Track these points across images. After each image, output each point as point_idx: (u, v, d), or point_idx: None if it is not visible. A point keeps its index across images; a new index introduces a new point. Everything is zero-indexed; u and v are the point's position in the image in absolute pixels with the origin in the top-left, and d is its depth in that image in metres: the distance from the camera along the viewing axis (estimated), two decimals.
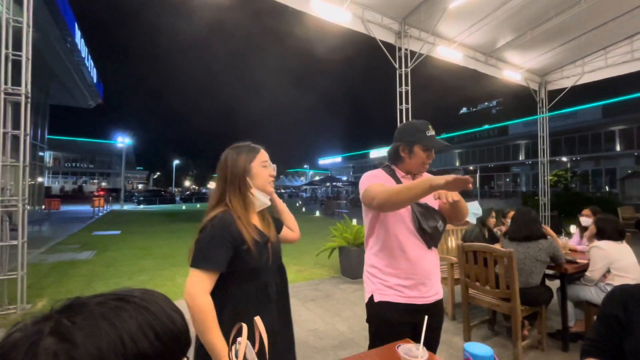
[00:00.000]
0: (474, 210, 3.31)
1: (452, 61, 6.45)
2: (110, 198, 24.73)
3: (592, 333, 1.19)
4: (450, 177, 1.07)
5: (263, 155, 1.23)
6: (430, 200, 1.44)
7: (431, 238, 1.40)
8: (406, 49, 5.71)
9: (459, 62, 6.56)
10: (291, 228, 1.41)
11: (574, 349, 2.60)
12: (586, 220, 3.22)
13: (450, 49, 6.22)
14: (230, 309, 1.08)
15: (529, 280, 2.52)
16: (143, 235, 9.46)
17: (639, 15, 5.80)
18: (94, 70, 13.22)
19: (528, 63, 7.41)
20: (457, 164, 31.22)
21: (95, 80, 13.55)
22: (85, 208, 19.81)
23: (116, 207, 22.55)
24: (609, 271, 2.51)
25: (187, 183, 66.43)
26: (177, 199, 33.92)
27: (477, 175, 28.61)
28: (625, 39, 6.59)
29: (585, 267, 2.67)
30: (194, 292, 1.02)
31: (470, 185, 1.09)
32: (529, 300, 2.50)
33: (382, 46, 5.57)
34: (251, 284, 1.12)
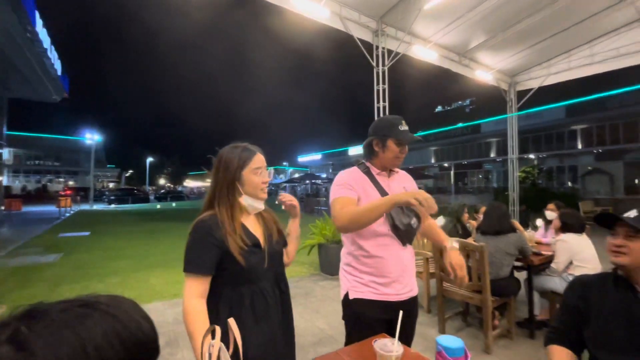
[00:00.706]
0: (440, 223, 3.45)
1: (428, 60, 6.60)
2: (79, 198, 23.49)
3: (555, 321, 1.26)
4: (418, 195, 1.15)
5: (257, 161, 1.16)
6: None
7: (405, 236, 1.42)
8: (383, 48, 5.78)
9: (434, 62, 6.72)
10: (288, 253, 1.33)
11: (539, 336, 2.75)
12: (551, 214, 3.41)
13: (426, 49, 6.36)
14: (226, 312, 1.05)
15: (499, 273, 2.64)
16: (115, 236, 9.06)
17: (597, 23, 6.18)
18: (59, 62, 12.42)
19: (499, 64, 7.70)
20: (433, 161, 32.11)
21: (59, 73, 12.73)
22: (50, 208, 18.68)
23: (85, 207, 21.44)
24: (571, 262, 2.67)
25: (161, 181, 64.25)
26: (152, 197, 32.72)
27: (452, 172, 29.55)
28: (586, 43, 6.99)
29: (549, 259, 2.83)
30: (184, 296, 1.02)
31: (434, 210, 1.16)
32: (499, 291, 2.61)
33: (360, 44, 5.60)
34: (246, 288, 1.09)
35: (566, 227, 2.74)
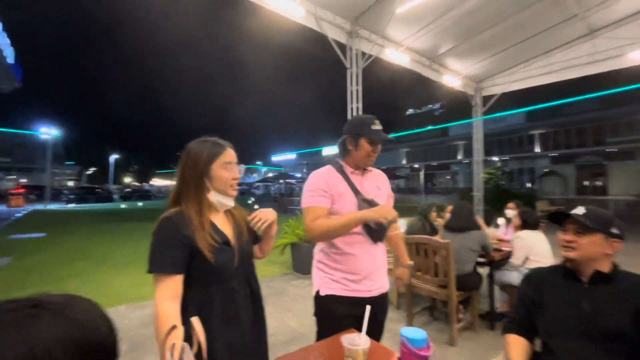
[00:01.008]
0: (402, 229, 3.59)
1: (400, 64, 6.77)
2: (32, 197, 21.77)
3: (512, 312, 1.34)
4: (387, 214, 1.29)
5: (228, 155, 1.11)
6: (376, 196, 1.50)
7: (377, 234, 1.45)
8: (357, 49, 5.86)
9: (406, 65, 6.92)
10: (262, 249, 1.31)
11: (500, 327, 2.92)
12: (511, 212, 3.62)
13: (398, 52, 6.53)
14: (194, 313, 0.97)
15: (464, 268, 2.77)
16: (74, 237, 8.49)
17: (552, 36, 6.67)
18: (11, 49, 11.46)
19: (465, 70, 8.07)
20: (404, 162, 33.05)
21: (11, 61, 11.75)
22: None
23: (39, 206, 19.90)
24: (528, 257, 2.86)
25: (127, 179, 61.08)
26: (116, 197, 30.99)
27: (422, 172, 30.58)
28: (543, 54, 7.50)
29: (509, 255, 3.01)
30: (155, 299, 0.96)
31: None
32: (463, 286, 2.74)
33: (334, 45, 5.65)
34: (215, 288, 1.04)
35: (524, 224, 2.93)
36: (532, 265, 2.77)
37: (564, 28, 6.47)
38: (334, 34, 5.64)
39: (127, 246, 7.23)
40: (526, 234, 2.86)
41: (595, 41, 6.86)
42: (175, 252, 0.99)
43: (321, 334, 1.43)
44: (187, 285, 1.02)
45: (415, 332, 0.80)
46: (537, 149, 23.41)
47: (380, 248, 1.52)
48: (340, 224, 1.36)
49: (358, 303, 1.40)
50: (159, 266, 0.98)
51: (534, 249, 2.81)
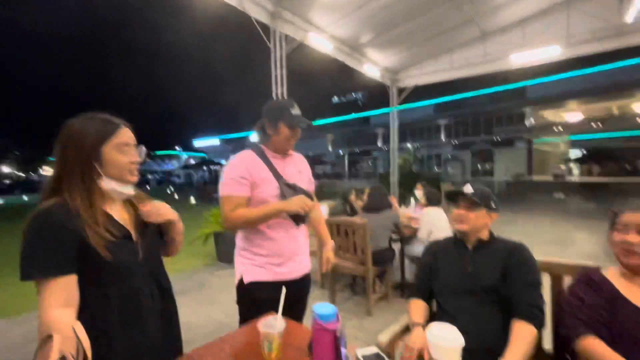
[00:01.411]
0: (324, 212, 3.76)
1: (324, 51, 6.85)
2: None
3: (415, 279, 1.51)
4: (305, 205, 1.34)
5: (123, 135, 0.94)
6: (298, 180, 1.50)
7: (298, 216, 1.45)
8: (281, 32, 5.73)
9: (330, 53, 7.03)
10: (166, 253, 1.16)
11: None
12: (419, 192, 4.06)
13: (322, 38, 6.58)
14: (87, 319, 0.82)
15: (379, 245, 3.02)
16: None
17: (453, 35, 7.52)
18: None
19: (384, 61, 8.59)
20: (330, 148, 34.18)
21: None
22: None
23: None
24: (432, 232, 3.25)
25: (5, 169, 50.06)
26: None
27: (346, 158, 32.12)
28: (447, 52, 8.42)
29: (417, 230, 3.37)
30: (39, 309, 0.79)
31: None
32: (379, 261, 3.00)
33: (257, 25, 5.40)
34: (113, 289, 0.90)
35: (428, 202, 3.31)
36: (435, 238, 3.17)
37: (462, 30, 7.34)
38: (256, 14, 5.38)
39: (6, 251, 5.99)
40: (430, 210, 3.25)
41: (486, 44, 7.97)
42: (59, 250, 0.82)
43: (244, 321, 1.40)
44: (81, 286, 0.86)
45: (325, 308, 0.84)
46: (442, 137, 26.63)
47: (302, 231, 1.54)
48: (259, 215, 1.36)
49: (281, 286, 1.41)
50: (39, 270, 0.80)
51: (436, 224, 3.20)
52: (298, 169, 1.56)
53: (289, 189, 1.43)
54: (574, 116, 19.64)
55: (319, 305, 0.84)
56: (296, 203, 1.34)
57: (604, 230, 1.17)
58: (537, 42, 7.26)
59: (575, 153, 26.65)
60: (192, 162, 38.47)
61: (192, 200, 16.76)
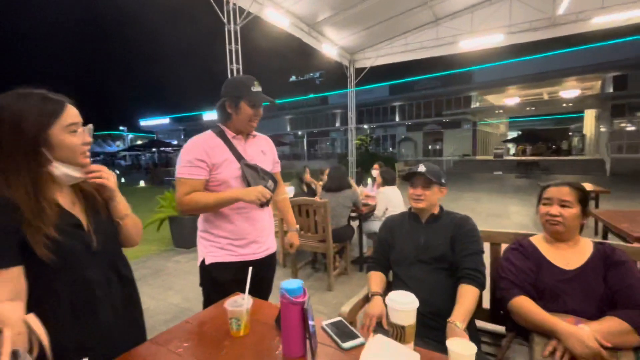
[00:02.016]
0: (290, 194, 3.78)
1: (280, 26, 6.62)
2: None
3: (374, 253, 1.60)
4: (261, 195, 1.31)
5: (70, 114, 0.84)
6: (260, 161, 1.48)
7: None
8: (234, 4, 5.40)
9: (286, 29, 6.81)
10: (134, 236, 1.07)
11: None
12: (375, 172, 4.23)
13: (278, 14, 6.34)
14: (36, 313, 0.74)
15: (339, 222, 3.13)
16: None
17: (408, 18, 7.68)
18: None
19: (341, 41, 8.54)
20: (288, 129, 33.74)
21: None
22: None
23: None
24: (387, 209, 3.43)
25: None
26: None
27: (305, 139, 32.01)
28: (402, 34, 8.61)
29: (374, 208, 3.54)
30: None
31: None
32: (339, 238, 3.11)
33: None
34: (61, 281, 0.83)
35: (384, 181, 3.47)
36: (391, 214, 3.36)
37: (417, 13, 7.52)
38: None
39: None
40: (386, 189, 3.41)
41: (438, 28, 8.27)
42: (0, 240, 0.74)
43: (208, 303, 1.39)
44: (26, 280, 0.79)
45: (292, 283, 0.87)
46: (397, 118, 27.60)
47: (266, 212, 1.54)
48: (214, 201, 1.34)
49: (244, 267, 1.42)
50: None
51: (392, 201, 3.39)
52: (261, 150, 1.53)
53: (250, 170, 1.41)
54: (512, 100, 21.44)
55: (286, 282, 0.87)
56: (253, 193, 1.30)
57: (534, 203, 1.34)
58: (484, 29, 7.71)
59: (513, 134, 29.41)
60: (139, 142, 35.62)
61: (142, 183, 15.68)
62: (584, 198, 1.18)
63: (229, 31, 5.40)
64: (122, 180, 17.98)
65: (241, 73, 5.50)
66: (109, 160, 36.71)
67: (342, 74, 10.00)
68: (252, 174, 1.41)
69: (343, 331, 0.97)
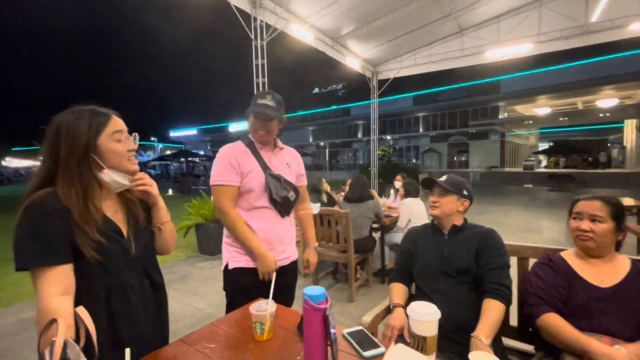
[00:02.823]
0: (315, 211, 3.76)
1: (304, 41, 6.81)
2: None
3: (395, 264, 1.60)
4: (268, 268, 1.43)
5: (115, 123, 0.93)
6: (285, 173, 1.54)
7: (282, 207, 1.50)
8: (262, 21, 5.63)
9: (311, 43, 6.99)
10: (169, 244, 1.14)
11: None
12: (398, 183, 4.19)
13: (303, 29, 6.53)
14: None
15: (360, 233, 3.12)
16: None
17: (432, 30, 7.67)
18: None
19: (365, 53, 8.64)
20: (311, 139, 34.12)
21: None
22: None
23: None
24: (410, 220, 3.38)
25: None
26: None
27: (327, 150, 32.19)
28: (426, 45, 8.59)
29: (397, 219, 3.50)
30: (38, 298, 0.78)
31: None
32: (360, 249, 3.10)
33: (237, 13, 5.29)
34: (100, 283, 0.90)
35: (407, 193, 3.44)
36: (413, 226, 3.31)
37: (441, 25, 7.50)
38: (236, 1, 5.27)
39: None
40: (408, 200, 3.37)
41: (463, 39, 8.19)
42: (55, 240, 0.82)
43: (231, 307, 1.44)
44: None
45: (315, 290, 0.89)
46: (421, 129, 27.21)
47: (288, 221, 1.59)
48: (242, 235, 1.44)
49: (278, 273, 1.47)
50: (36, 259, 0.80)
51: (414, 213, 3.34)
52: (286, 162, 1.59)
53: (273, 179, 1.47)
54: (543, 110, 20.60)
55: (309, 288, 0.90)
56: (266, 265, 1.42)
57: (566, 218, 1.29)
58: (511, 39, 7.54)
59: (544, 146, 28.10)
60: (169, 152, 37.25)
61: (170, 192, 16.33)
62: (617, 213, 1.13)
63: (256, 47, 5.63)
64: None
65: (267, 86, 5.69)
66: (140, 170, 38.51)
67: (365, 85, 10.06)
68: (275, 183, 1.47)
69: (364, 340, 0.97)
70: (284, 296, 1.61)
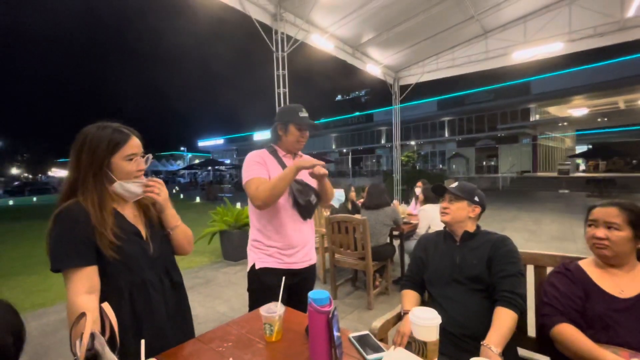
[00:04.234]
0: (338, 196, 3.80)
1: (325, 50, 6.93)
2: None
3: (408, 271, 1.60)
4: (314, 161, 1.40)
5: (131, 146, 1.03)
6: (306, 178, 1.61)
7: (305, 210, 1.58)
8: (282, 33, 5.82)
9: (331, 52, 7.11)
10: (185, 246, 1.23)
11: None
12: (419, 190, 4.14)
13: (323, 39, 6.66)
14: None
15: (379, 240, 3.11)
16: None
17: (455, 33, 7.55)
18: None
19: (385, 60, 8.64)
20: (333, 146, 34.23)
21: None
22: None
23: None
24: (430, 227, 3.33)
25: (15, 171, 50.88)
26: (0, 192, 25.67)
27: (349, 157, 32.13)
28: (449, 49, 8.45)
29: (416, 226, 3.46)
30: (67, 297, 0.89)
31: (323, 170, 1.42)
32: (379, 256, 3.09)
33: (259, 27, 5.51)
34: (124, 281, 0.99)
35: (427, 199, 3.39)
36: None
37: (463, 28, 7.37)
38: (258, 15, 5.49)
39: (19, 249, 6.19)
40: (428, 207, 3.33)
41: (487, 41, 7.99)
42: (82, 244, 0.93)
43: (253, 307, 1.52)
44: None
45: (319, 293, 0.93)
46: (446, 134, 26.53)
47: (309, 224, 1.67)
48: (279, 177, 1.41)
49: (290, 274, 1.52)
50: (65, 261, 0.91)
51: (434, 220, 3.28)
52: None
53: (296, 184, 1.56)
54: (579, 111, 19.45)
55: (313, 292, 0.94)
56: (309, 160, 1.41)
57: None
58: (539, 39, 7.27)
59: (581, 148, 26.43)
60: (197, 161, 38.79)
61: (198, 199, 16.96)
62: (635, 220, 1.08)
63: (277, 58, 5.81)
64: (181, 196, 19.62)
65: (287, 96, 5.84)
66: (170, 178, 40.35)
67: (388, 91, 10.02)
68: (297, 187, 1.56)
69: (369, 344, 1.00)
70: (301, 300, 1.66)
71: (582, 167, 25.56)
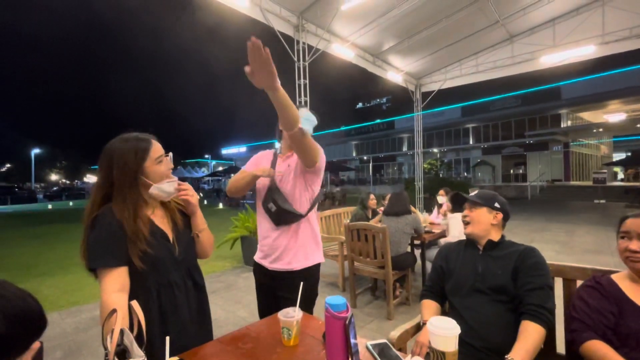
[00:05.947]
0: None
1: (346, 59, 7.00)
2: None
3: (428, 280, 1.57)
4: (269, 171, 1.53)
5: (156, 149, 1.09)
6: (285, 172, 1.58)
7: (275, 216, 1.53)
8: (304, 43, 5.95)
9: (352, 60, 7.17)
10: (207, 249, 1.28)
11: None
12: (441, 198, 4.05)
13: (344, 48, 6.74)
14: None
15: (399, 249, 3.07)
16: None
17: (479, 39, 7.41)
18: None
19: (407, 67, 8.59)
20: (354, 154, 34.13)
21: None
22: None
23: None
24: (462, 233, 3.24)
25: (53, 177, 54.33)
26: (40, 196, 27.48)
27: (370, 164, 31.90)
28: (472, 55, 8.30)
29: (438, 236, 3.38)
30: (101, 295, 0.96)
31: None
32: (399, 265, 3.04)
33: (281, 37, 5.66)
34: (152, 281, 1.05)
35: (454, 207, 3.31)
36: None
37: (488, 33, 7.22)
38: (280, 27, 5.65)
39: (56, 251, 6.58)
40: (459, 215, 3.24)
41: (514, 46, 7.78)
42: (115, 246, 1.00)
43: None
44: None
45: (336, 299, 0.94)
46: (471, 141, 25.79)
47: (287, 231, 1.56)
48: (240, 176, 1.59)
49: (267, 274, 1.62)
50: (101, 261, 0.98)
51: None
52: (287, 163, 1.63)
53: (269, 191, 1.57)
54: (616, 117, 18.35)
55: (331, 298, 0.95)
56: (266, 170, 1.54)
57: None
58: (569, 42, 6.99)
59: (619, 156, 24.84)
60: (220, 168, 39.86)
61: (220, 205, 17.37)
62: None
63: (298, 67, 5.93)
64: (205, 202, 20.19)
65: (309, 105, 5.93)
66: (195, 185, 41.68)
67: (409, 98, 9.94)
68: (268, 193, 1.56)
69: (386, 353, 0.99)
70: (304, 301, 1.63)
71: (620, 175, 24.00)
